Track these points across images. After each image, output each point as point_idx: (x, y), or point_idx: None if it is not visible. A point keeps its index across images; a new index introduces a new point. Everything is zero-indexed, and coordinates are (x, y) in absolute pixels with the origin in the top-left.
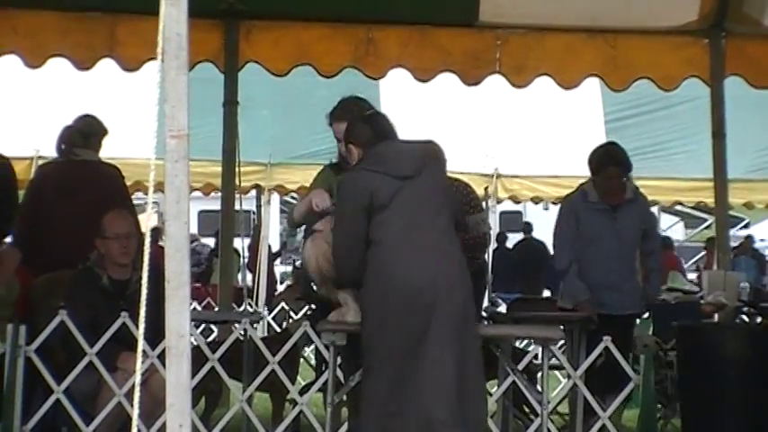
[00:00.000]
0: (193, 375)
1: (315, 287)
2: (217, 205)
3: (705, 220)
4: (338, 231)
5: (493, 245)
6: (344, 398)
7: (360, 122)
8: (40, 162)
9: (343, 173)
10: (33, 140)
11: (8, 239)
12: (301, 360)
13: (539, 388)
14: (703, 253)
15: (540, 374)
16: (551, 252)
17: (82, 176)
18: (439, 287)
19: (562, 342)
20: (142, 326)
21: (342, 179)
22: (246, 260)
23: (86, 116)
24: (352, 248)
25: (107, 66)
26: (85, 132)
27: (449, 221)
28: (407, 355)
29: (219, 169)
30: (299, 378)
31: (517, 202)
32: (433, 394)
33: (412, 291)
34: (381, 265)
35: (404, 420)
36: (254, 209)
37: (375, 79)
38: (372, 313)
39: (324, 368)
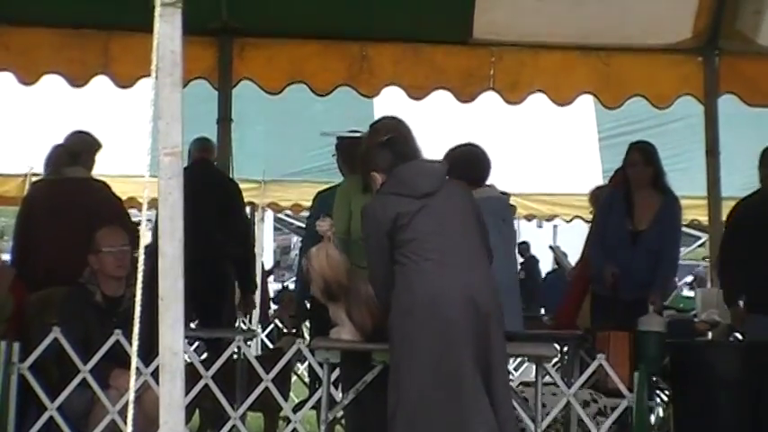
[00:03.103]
0: (186, 393)
1: (308, 304)
2: None
3: (699, 237)
4: (371, 263)
5: None
6: (338, 415)
7: (378, 149)
8: (34, 179)
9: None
10: (27, 158)
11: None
12: (295, 377)
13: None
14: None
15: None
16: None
17: (70, 194)
18: (464, 301)
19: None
20: (135, 343)
21: (363, 209)
22: None
23: (76, 133)
24: (385, 275)
25: (101, 82)
26: (73, 151)
27: (475, 234)
28: (436, 369)
29: None
30: (291, 395)
31: None
32: (471, 415)
33: (435, 306)
34: (404, 282)
35: None
36: None
37: (369, 97)
38: (397, 329)
39: (317, 385)
